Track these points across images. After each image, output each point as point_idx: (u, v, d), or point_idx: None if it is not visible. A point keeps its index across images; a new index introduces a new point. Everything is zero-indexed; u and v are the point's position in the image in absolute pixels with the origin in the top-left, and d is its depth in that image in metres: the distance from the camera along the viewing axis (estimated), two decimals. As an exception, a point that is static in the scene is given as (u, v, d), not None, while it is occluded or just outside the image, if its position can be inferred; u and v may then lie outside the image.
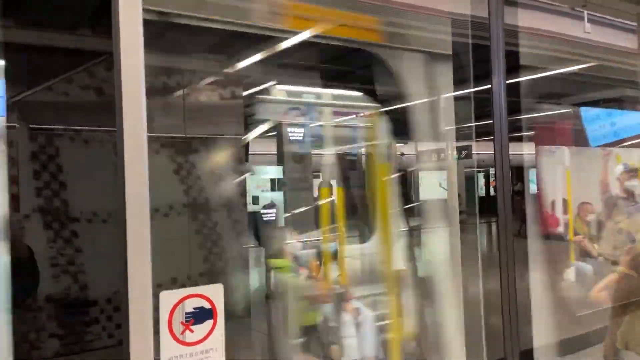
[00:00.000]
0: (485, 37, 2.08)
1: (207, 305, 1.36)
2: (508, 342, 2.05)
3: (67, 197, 3.94)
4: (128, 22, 1.09)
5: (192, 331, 1.33)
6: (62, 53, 3.81)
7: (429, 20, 2.36)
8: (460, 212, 2.88)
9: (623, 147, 3.44)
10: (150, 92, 1.13)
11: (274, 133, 5.75)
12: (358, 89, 5.33)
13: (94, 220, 3.95)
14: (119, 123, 1.07)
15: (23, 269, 2.32)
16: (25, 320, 3.65)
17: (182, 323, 1.31)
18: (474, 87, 2.37)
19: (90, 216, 3.97)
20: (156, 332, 1.21)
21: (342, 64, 4.92)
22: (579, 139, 3.30)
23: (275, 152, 5.88)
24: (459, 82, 2.41)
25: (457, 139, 2.89)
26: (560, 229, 3.19)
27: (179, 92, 4.31)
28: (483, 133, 2.41)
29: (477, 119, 2.49)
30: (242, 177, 4.71)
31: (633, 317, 2.80)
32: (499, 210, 2.04)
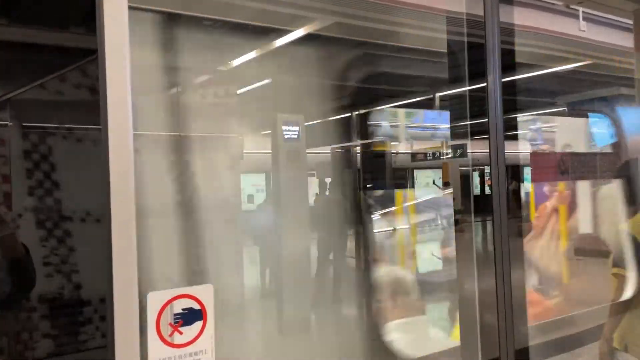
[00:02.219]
0: (480, 35, 2.07)
1: (196, 306, 1.34)
2: (503, 341, 2.04)
3: (60, 196, 3.91)
4: (113, 18, 1.07)
5: (180, 333, 1.31)
6: (56, 50, 3.78)
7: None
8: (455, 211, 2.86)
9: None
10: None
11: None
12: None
13: (87, 220, 3.92)
14: (103, 121, 1.05)
15: (19, 268, 2.29)
16: (19, 320, 3.62)
17: (170, 324, 1.29)
18: (469, 86, 2.36)
19: (83, 215, 3.94)
20: (143, 334, 1.19)
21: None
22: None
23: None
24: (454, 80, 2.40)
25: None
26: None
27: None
28: (478, 132, 2.39)
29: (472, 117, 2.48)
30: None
31: (632, 317, 2.78)
32: (494, 209, 2.03)
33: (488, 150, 2.06)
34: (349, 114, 6.22)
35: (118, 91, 1.08)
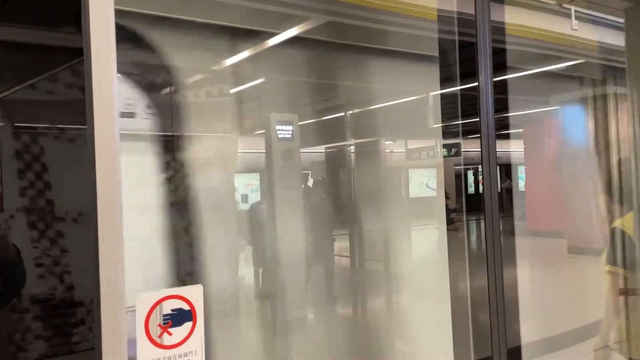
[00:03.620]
0: (471, 34, 2.06)
1: (186, 307, 1.33)
2: (495, 340, 2.04)
3: (53, 197, 3.88)
4: (99, 17, 1.06)
5: (170, 334, 1.30)
6: (47, 50, 3.76)
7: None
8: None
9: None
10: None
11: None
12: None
13: (79, 220, 3.90)
14: (89, 121, 1.04)
15: (10, 270, 2.28)
16: (10, 321, 3.59)
17: (159, 325, 1.28)
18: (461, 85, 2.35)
19: (76, 216, 3.92)
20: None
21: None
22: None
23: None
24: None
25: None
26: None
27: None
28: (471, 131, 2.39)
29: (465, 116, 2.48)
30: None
31: (626, 315, 2.79)
32: (485, 207, 2.03)
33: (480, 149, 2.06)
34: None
35: (104, 91, 1.07)
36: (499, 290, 2.05)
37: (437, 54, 2.58)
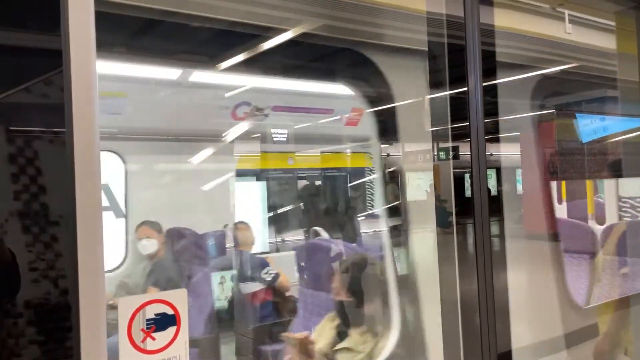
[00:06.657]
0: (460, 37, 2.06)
1: (169, 311, 1.32)
2: (485, 344, 2.03)
3: (47, 201, 3.87)
4: (79, 16, 1.06)
5: (153, 339, 1.29)
6: (41, 54, 3.75)
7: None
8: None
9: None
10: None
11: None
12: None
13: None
14: (68, 124, 1.03)
15: (5, 273, 2.27)
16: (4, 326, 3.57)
17: (142, 330, 1.27)
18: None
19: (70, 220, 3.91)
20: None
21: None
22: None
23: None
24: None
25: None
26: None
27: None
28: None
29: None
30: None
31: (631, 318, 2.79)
32: (475, 210, 2.03)
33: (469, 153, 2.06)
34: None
35: (84, 92, 1.06)
36: (489, 293, 2.04)
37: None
